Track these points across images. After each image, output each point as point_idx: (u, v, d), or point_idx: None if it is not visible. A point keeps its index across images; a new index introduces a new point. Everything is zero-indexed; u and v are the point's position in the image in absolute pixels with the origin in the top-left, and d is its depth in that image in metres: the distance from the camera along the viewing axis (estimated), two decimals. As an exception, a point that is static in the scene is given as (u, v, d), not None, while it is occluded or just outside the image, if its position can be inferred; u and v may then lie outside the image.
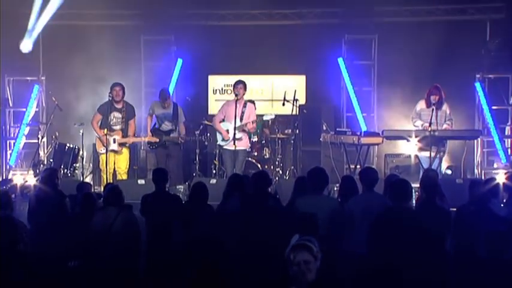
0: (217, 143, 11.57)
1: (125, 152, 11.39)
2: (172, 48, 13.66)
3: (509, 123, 13.10)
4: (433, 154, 10.88)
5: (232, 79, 12.19)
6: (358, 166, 11.11)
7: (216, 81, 14.05)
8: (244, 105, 11.29)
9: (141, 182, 10.54)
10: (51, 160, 12.34)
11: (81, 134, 11.67)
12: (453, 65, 12.68)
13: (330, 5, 13.68)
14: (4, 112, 13.33)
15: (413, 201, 8.06)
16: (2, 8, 12.07)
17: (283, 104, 11.91)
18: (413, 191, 7.23)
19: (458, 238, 7.03)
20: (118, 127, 11.32)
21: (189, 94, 13.37)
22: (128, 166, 11.48)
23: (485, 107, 12.81)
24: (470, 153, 12.59)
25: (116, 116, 11.31)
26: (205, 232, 6.88)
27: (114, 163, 11.29)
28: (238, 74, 12.37)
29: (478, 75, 12.93)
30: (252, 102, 11.80)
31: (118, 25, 13.47)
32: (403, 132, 11.40)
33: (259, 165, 12.23)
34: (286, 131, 12.58)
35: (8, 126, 13.38)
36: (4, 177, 12.28)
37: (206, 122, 12.38)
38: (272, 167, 12.27)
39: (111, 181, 10.80)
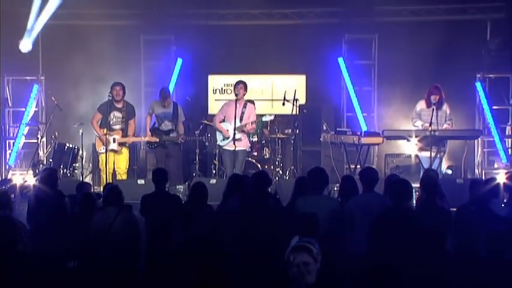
0: (217, 143, 11.55)
1: (125, 151, 11.37)
2: (172, 48, 13.65)
3: (509, 123, 13.09)
4: (433, 154, 10.87)
5: (232, 79, 12.18)
6: (358, 166, 11.10)
7: (216, 81, 14.02)
8: (244, 106, 11.27)
9: (140, 182, 10.53)
10: (51, 160, 12.33)
11: (80, 134, 11.65)
12: (453, 65, 12.67)
13: (330, 5, 13.68)
14: (3, 112, 13.31)
15: (414, 201, 8.04)
16: (1, 8, 12.06)
17: (283, 104, 11.88)
18: (413, 191, 7.20)
19: (458, 238, 7.03)
20: (118, 127, 11.30)
21: (189, 94, 13.35)
22: (127, 166, 11.46)
23: (485, 107, 12.80)
24: (471, 153, 12.58)
25: (116, 116, 11.29)
26: (205, 232, 6.86)
27: (114, 163, 11.27)
28: (238, 73, 12.36)
29: (478, 75, 12.93)
30: (252, 102, 11.78)
31: (118, 25, 13.46)
32: (403, 132, 11.41)
33: (259, 165, 12.22)
34: (286, 131, 12.56)
35: (7, 126, 13.35)
36: (3, 177, 12.26)
37: (206, 122, 12.37)
38: (272, 167, 12.26)
39: (111, 181, 10.78)
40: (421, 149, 11.11)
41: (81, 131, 11.64)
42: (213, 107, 13.29)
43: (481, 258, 6.13)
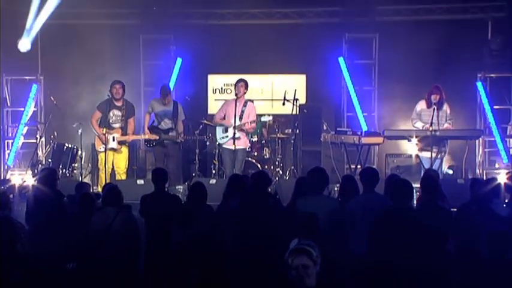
0: (217, 142, 11.51)
1: (124, 151, 11.33)
2: (171, 48, 13.62)
3: (511, 122, 13.05)
4: (434, 154, 10.84)
5: (232, 78, 12.15)
6: (358, 166, 11.07)
7: (215, 81, 14.00)
8: (245, 104, 11.23)
9: (140, 182, 10.49)
10: (50, 160, 12.30)
11: (79, 134, 11.62)
12: (454, 64, 12.65)
13: (331, 4, 13.65)
14: (2, 112, 13.28)
15: (414, 202, 8.02)
16: (0, 7, 12.03)
17: (283, 104, 11.84)
18: (414, 191, 7.18)
19: (459, 237, 7.01)
20: (117, 125, 11.26)
21: (189, 94, 13.30)
22: (127, 165, 11.42)
23: (486, 107, 12.77)
24: (472, 153, 12.53)
25: (115, 114, 11.25)
26: (205, 232, 6.85)
27: (113, 162, 11.23)
28: (238, 73, 12.31)
29: (479, 75, 12.90)
30: (251, 102, 11.75)
31: (117, 24, 13.42)
32: (404, 132, 11.37)
33: (259, 165, 12.19)
34: (286, 131, 12.53)
35: (6, 126, 13.32)
36: (2, 178, 12.23)
37: (206, 122, 12.33)
38: (272, 167, 12.23)
39: (109, 180, 10.75)
40: (421, 149, 11.09)
41: (80, 131, 11.60)
42: (213, 107, 13.25)
43: (482, 258, 6.16)
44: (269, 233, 6.82)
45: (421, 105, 11.26)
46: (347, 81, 13.38)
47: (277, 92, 13.42)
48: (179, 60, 13.52)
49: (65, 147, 12.30)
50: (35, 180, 9.29)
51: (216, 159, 11.88)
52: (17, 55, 12.64)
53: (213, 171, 12.00)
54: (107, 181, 10.73)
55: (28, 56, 12.79)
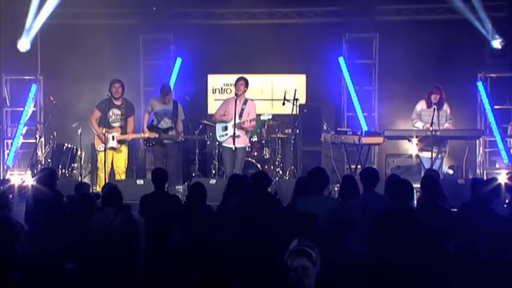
0: (217, 142, 11.50)
1: (124, 150, 11.31)
2: (171, 47, 13.60)
3: (511, 122, 13.03)
4: (434, 155, 10.82)
5: (232, 78, 12.12)
6: (359, 166, 11.05)
7: (215, 81, 13.98)
8: (245, 103, 11.20)
9: (139, 182, 10.47)
10: (49, 160, 12.27)
11: (79, 133, 11.60)
12: (455, 64, 12.64)
13: (331, 4, 13.64)
14: (2, 112, 13.28)
15: (415, 202, 8.01)
16: (0, 7, 12.01)
17: (284, 104, 11.81)
18: (414, 191, 7.16)
19: (459, 237, 6.99)
20: (117, 124, 11.23)
21: (188, 93, 13.28)
22: (126, 165, 11.39)
23: (487, 107, 12.77)
24: (472, 153, 12.51)
25: (115, 113, 11.22)
26: (204, 232, 6.83)
27: (113, 162, 11.21)
28: (238, 73, 12.24)
29: (480, 75, 12.90)
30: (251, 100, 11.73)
31: (117, 24, 13.40)
32: (404, 132, 11.35)
33: (259, 165, 12.16)
34: (286, 131, 12.51)
35: (5, 126, 13.30)
36: (1, 178, 12.21)
37: (206, 122, 12.32)
38: (272, 167, 12.21)
39: (108, 180, 10.74)
40: (421, 149, 11.07)
41: (79, 131, 11.58)
42: (213, 107, 13.22)
43: (483, 258, 6.14)
44: (269, 233, 6.81)
45: (421, 105, 11.25)
46: (347, 81, 13.37)
47: (277, 92, 13.41)
48: (179, 60, 13.51)
49: (65, 147, 12.28)
50: (34, 181, 9.27)
51: (216, 159, 11.87)
52: (17, 55, 12.66)
53: (213, 171, 11.99)
54: (106, 181, 10.72)
55: (27, 56, 12.81)
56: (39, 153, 12.81)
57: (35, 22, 12.47)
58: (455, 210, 7.49)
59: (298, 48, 13.37)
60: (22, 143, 13.12)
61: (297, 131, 11.98)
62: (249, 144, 11.71)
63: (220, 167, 11.86)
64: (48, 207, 7.89)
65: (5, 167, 12.93)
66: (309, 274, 4.73)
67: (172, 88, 12.77)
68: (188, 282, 5.40)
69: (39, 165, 12.13)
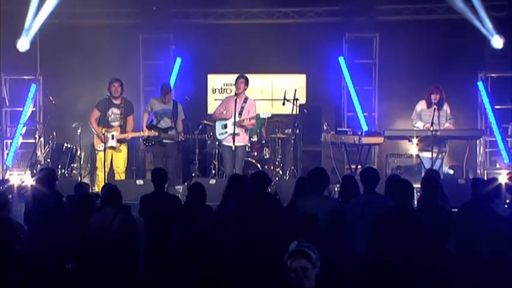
0: (217, 142, 11.48)
1: (123, 149, 11.28)
2: (171, 47, 13.58)
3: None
4: (434, 155, 10.80)
5: (231, 78, 12.09)
6: (359, 166, 11.03)
7: (215, 81, 13.97)
8: (245, 101, 11.18)
9: (139, 182, 10.45)
10: (49, 160, 12.24)
11: (78, 133, 11.58)
12: (455, 64, 12.62)
13: (331, 4, 13.62)
14: (1, 112, 13.26)
15: (415, 202, 7.99)
16: (-1, 7, 12.03)
17: (284, 104, 11.81)
18: (414, 191, 7.14)
19: (460, 237, 6.98)
20: (116, 123, 11.21)
21: (188, 93, 13.25)
22: (126, 165, 11.37)
23: (487, 107, 12.75)
24: (473, 153, 12.50)
25: (114, 112, 11.20)
26: (204, 232, 6.82)
27: (112, 162, 11.18)
28: (237, 73, 12.18)
29: (480, 74, 12.89)
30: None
31: (116, 23, 13.38)
32: (404, 132, 11.33)
33: (259, 165, 12.14)
34: (286, 131, 12.49)
35: (4, 126, 13.27)
36: (1, 178, 12.16)
37: (206, 122, 12.31)
38: (272, 167, 12.19)
39: (107, 180, 10.71)
40: (422, 150, 11.05)
41: (79, 131, 11.57)
42: (213, 107, 13.18)
43: (483, 258, 6.14)
44: (269, 233, 6.80)
45: (421, 105, 11.23)
46: (347, 80, 13.35)
47: (277, 92, 13.39)
48: (179, 60, 13.48)
49: (64, 147, 12.25)
50: (33, 181, 9.25)
51: (216, 159, 11.86)
52: (16, 55, 12.64)
53: (213, 172, 11.97)
54: (106, 181, 10.70)
55: (27, 56, 12.79)
56: (38, 153, 12.78)
57: (34, 22, 12.44)
58: (456, 210, 7.47)
59: (298, 48, 13.35)
60: (21, 143, 13.10)
61: (297, 131, 11.96)
62: (249, 144, 11.69)
63: (220, 167, 11.85)
64: (48, 208, 7.88)
65: (5, 167, 12.91)
66: (308, 275, 4.71)
67: (172, 88, 12.76)
68: (188, 282, 5.38)
69: (39, 165, 12.10)
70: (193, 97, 13.41)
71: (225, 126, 11.12)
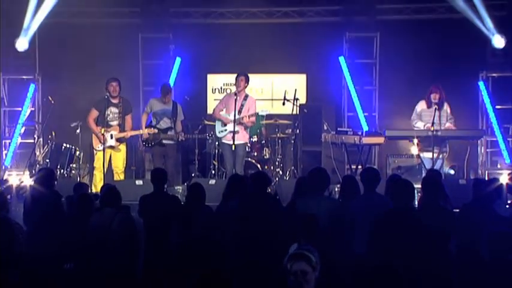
0: (216, 142, 11.44)
1: (122, 149, 11.25)
2: (170, 47, 13.55)
3: (513, 122, 13.02)
4: (435, 155, 10.78)
5: (231, 78, 12.06)
6: (359, 166, 10.99)
7: (215, 80, 13.94)
8: (245, 98, 11.15)
9: (139, 182, 10.43)
10: (48, 160, 12.20)
11: (78, 133, 11.54)
12: (456, 64, 12.64)
13: (331, 3, 13.61)
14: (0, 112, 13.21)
15: (416, 202, 7.95)
16: (-2, 7, 12.00)
17: (284, 104, 11.79)
18: (415, 191, 7.11)
19: (461, 237, 6.95)
20: (115, 122, 11.18)
21: (188, 93, 13.21)
22: (125, 165, 11.34)
23: (488, 107, 12.74)
24: (474, 153, 12.47)
25: (112, 112, 11.17)
26: (204, 233, 6.78)
27: (110, 162, 11.14)
28: (237, 72, 12.23)
29: (481, 74, 12.88)
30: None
31: (115, 23, 13.36)
32: (405, 132, 11.31)
33: (259, 166, 12.12)
34: (286, 131, 12.47)
35: (3, 126, 13.24)
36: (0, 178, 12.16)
37: (206, 122, 12.28)
38: (272, 167, 12.17)
39: (105, 180, 10.68)
40: (422, 150, 11.02)
41: (78, 131, 11.53)
42: (212, 107, 13.11)
43: (483, 258, 6.12)
44: (269, 234, 6.79)
45: (421, 105, 11.21)
46: (348, 80, 13.32)
47: (277, 92, 13.36)
48: (178, 60, 13.46)
49: (63, 147, 12.20)
50: (32, 181, 9.21)
51: (216, 159, 11.84)
52: (15, 54, 12.62)
53: (213, 172, 11.94)
54: (104, 181, 10.67)
55: (26, 55, 12.78)
56: (37, 153, 12.75)
57: (33, 21, 12.41)
58: (457, 210, 7.44)
59: (298, 47, 13.34)
60: (20, 143, 13.07)
61: (297, 131, 11.95)
62: (249, 144, 11.66)
63: (219, 167, 11.82)
64: (47, 208, 7.85)
65: (3, 167, 12.86)
66: (308, 279, 4.67)
67: (172, 88, 12.73)
68: (188, 282, 5.34)
69: (38, 166, 12.06)
70: (193, 97, 13.36)
71: (225, 124, 11.10)
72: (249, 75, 11.32)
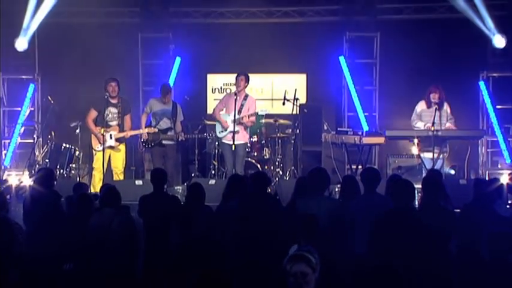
0: (216, 142, 11.43)
1: (122, 149, 11.24)
2: (170, 47, 13.54)
3: (514, 122, 13.00)
4: (435, 155, 10.76)
5: (231, 78, 12.06)
6: (359, 166, 10.98)
7: (215, 80, 13.93)
8: (245, 98, 11.14)
9: (138, 182, 10.40)
10: (47, 160, 12.18)
11: (77, 133, 11.53)
12: (456, 64, 12.64)
13: (331, 3, 13.60)
14: (-1, 112, 13.23)
15: (416, 203, 7.94)
16: (-3, 7, 11.99)
17: (284, 104, 11.79)
18: (416, 191, 7.10)
19: (462, 237, 6.94)
20: (114, 122, 11.16)
21: (188, 93, 13.20)
22: (124, 165, 11.32)
23: (489, 107, 12.73)
24: (474, 153, 12.45)
25: (112, 112, 11.15)
26: (204, 233, 6.78)
27: (110, 162, 11.13)
28: (237, 72, 12.23)
29: (482, 74, 12.87)
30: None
31: (115, 23, 13.35)
32: (405, 132, 11.29)
33: (259, 166, 12.11)
34: (286, 131, 12.45)
35: (3, 126, 13.22)
36: (-1, 178, 12.16)
37: (206, 122, 12.27)
38: (272, 167, 12.15)
39: (105, 180, 10.67)
40: (423, 150, 11.01)
41: (78, 131, 11.51)
42: (212, 107, 13.12)
43: (483, 259, 6.12)
44: (269, 234, 6.79)
45: (421, 105, 11.20)
46: (348, 80, 13.31)
47: (277, 92, 13.36)
48: (178, 60, 13.45)
49: (63, 147, 12.19)
50: (32, 181, 9.20)
51: (216, 159, 11.83)
52: (14, 54, 12.60)
53: (212, 172, 11.93)
54: (103, 181, 10.65)
55: (25, 55, 12.76)
56: (37, 153, 12.73)
57: (32, 21, 12.39)
58: (458, 210, 7.43)
59: (298, 47, 13.33)
60: (20, 143, 13.05)
61: (297, 131, 11.94)
62: (249, 144, 11.65)
63: (219, 167, 11.82)
64: (46, 208, 7.85)
65: (3, 167, 12.85)
66: (308, 280, 4.64)
67: (172, 88, 12.71)
68: (187, 283, 5.33)
69: (37, 166, 12.05)
70: (193, 97, 13.35)
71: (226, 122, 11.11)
72: (249, 75, 11.31)
